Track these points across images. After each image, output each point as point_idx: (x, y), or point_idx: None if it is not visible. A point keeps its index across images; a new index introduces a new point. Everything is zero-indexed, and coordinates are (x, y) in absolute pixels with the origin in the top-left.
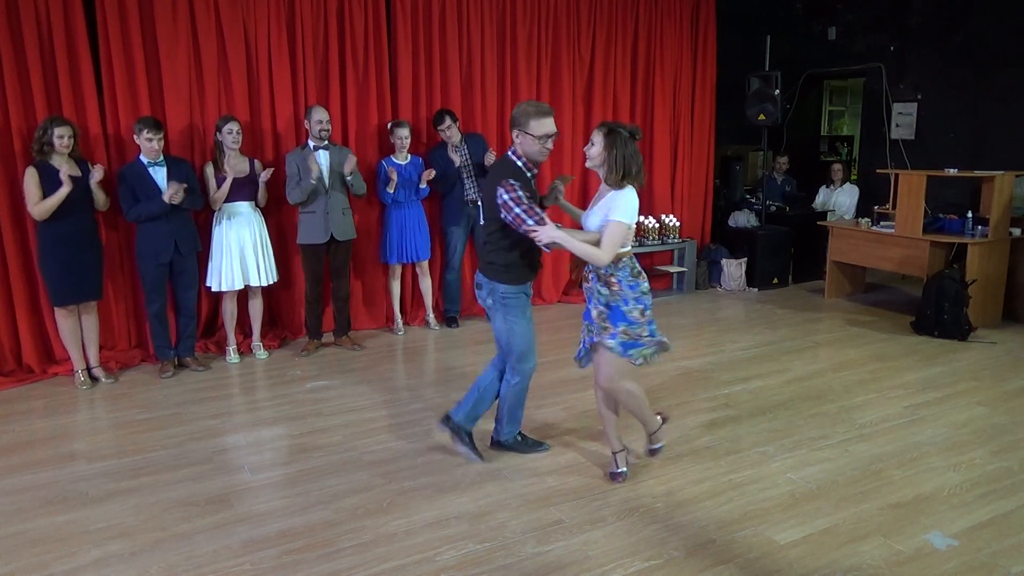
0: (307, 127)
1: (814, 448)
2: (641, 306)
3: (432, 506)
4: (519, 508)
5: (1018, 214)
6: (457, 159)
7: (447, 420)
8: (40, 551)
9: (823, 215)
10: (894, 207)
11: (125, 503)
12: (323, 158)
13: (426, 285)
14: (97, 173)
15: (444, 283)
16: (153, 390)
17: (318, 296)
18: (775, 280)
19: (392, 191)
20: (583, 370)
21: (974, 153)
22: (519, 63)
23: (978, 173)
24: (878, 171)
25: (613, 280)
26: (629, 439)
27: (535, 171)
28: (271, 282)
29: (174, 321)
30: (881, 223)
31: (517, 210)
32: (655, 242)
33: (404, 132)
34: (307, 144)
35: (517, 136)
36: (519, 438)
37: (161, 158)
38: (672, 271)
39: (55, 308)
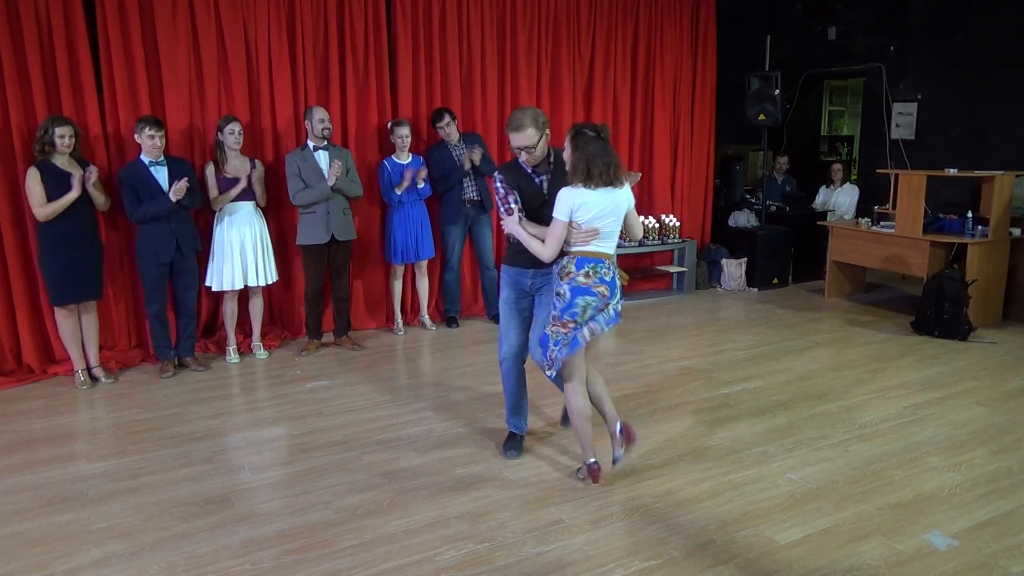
0: (307, 127)
1: (814, 448)
2: (553, 312)
3: (432, 506)
4: (519, 508)
5: (1018, 214)
6: (467, 165)
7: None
8: (40, 551)
9: (823, 215)
10: (894, 207)
11: (125, 503)
12: (322, 158)
13: (423, 285)
14: (92, 175)
15: (443, 283)
16: (153, 390)
17: (318, 296)
18: (775, 280)
19: (400, 192)
20: None
21: (974, 153)
22: (519, 63)
23: (978, 173)
24: (878, 171)
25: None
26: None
27: (540, 171)
28: (271, 282)
29: (174, 321)
30: (881, 223)
31: (496, 199)
32: (655, 242)
33: (405, 131)
34: (307, 144)
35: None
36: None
37: (162, 157)
38: (672, 271)
39: (55, 308)
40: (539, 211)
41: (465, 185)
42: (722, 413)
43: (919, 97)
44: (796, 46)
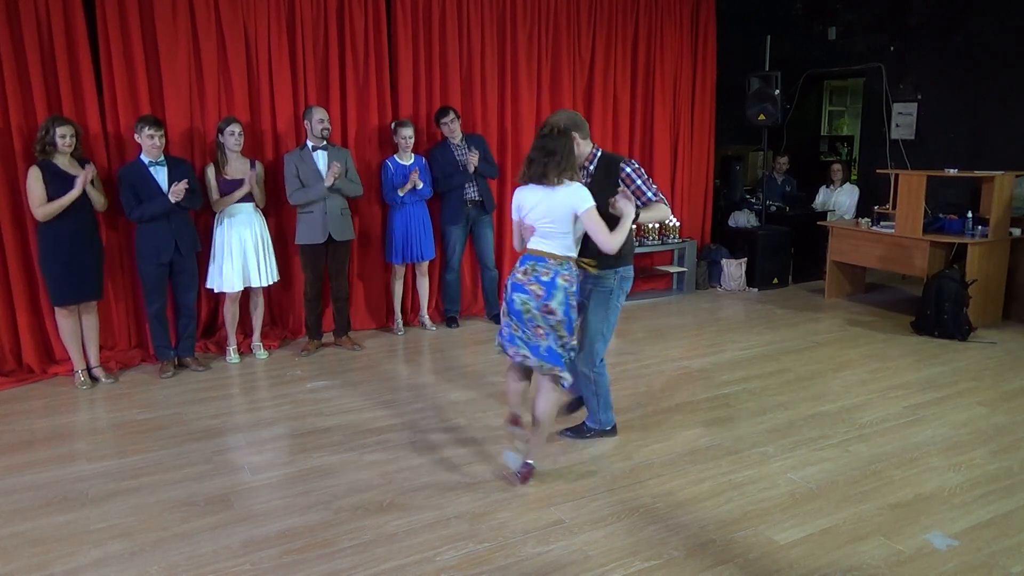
0: (307, 127)
1: (814, 448)
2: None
3: (432, 506)
4: (519, 508)
5: (1018, 214)
6: (471, 167)
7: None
8: (40, 551)
9: (823, 215)
10: (894, 207)
11: (125, 503)
12: (321, 158)
13: (424, 285)
14: (89, 173)
15: (444, 283)
16: (153, 390)
17: (318, 296)
18: (775, 280)
19: (403, 194)
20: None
21: (974, 153)
22: (519, 63)
23: (978, 173)
24: (878, 171)
25: None
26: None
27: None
28: (272, 282)
29: (174, 321)
30: (881, 223)
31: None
32: (655, 242)
33: (408, 132)
34: (306, 144)
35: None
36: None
37: (162, 157)
38: (672, 271)
39: (55, 308)
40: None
41: (466, 186)
42: (722, 413)
43: (919, 97)
44: (796, 46)
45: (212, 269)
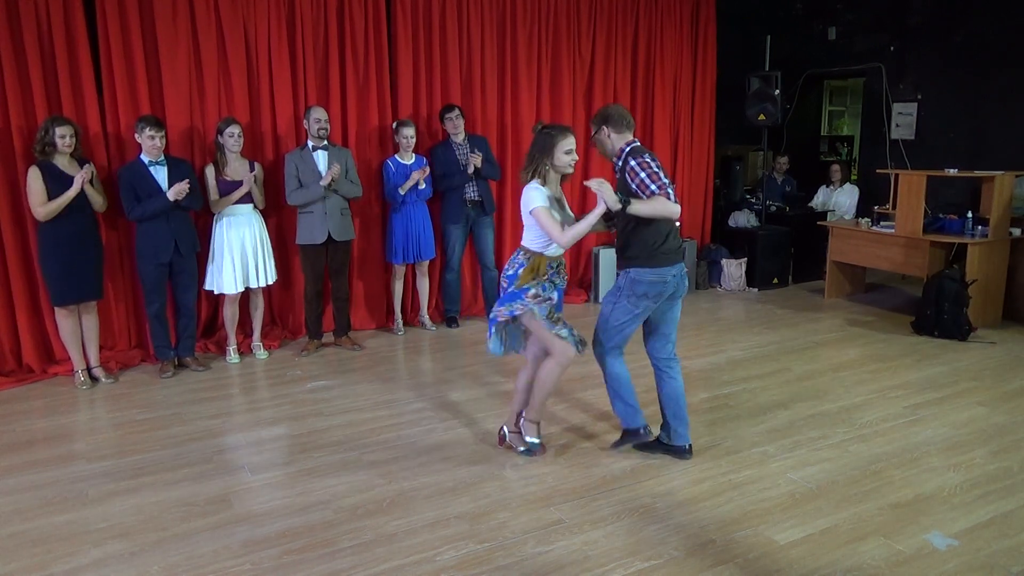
0: (306, 127)
1: (814, 448)
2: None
3: (432, 506)
4: (519, 508)
5: (1018, 214)
6: (471, 167)
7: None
8: (40, 551)
9: (823, 215)
10: (894, 207)
11: (125, 503)
12: (321, 158)
13: (424, 285)
14: (87, 172)
15: (444, 283)
16: (153, 390)
17: (318, 296)
18: (775, 280)
19: (404, 192)
20: (583, 369)
21: (974, 153)
22: (519, 63)
23: (978, 173)
24: (878, 171)
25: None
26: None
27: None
28: (271, 282)
29: (174, 321)
30: (881, 223)
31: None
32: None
33: (410, 132)
34: (306, 144)
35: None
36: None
37: (162, 157)
38: None
39: (55, 308)
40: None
41: (466, 186)
42: (722, 413)
43: (919, 97)
44: (796, 46)
45: (211, 270)
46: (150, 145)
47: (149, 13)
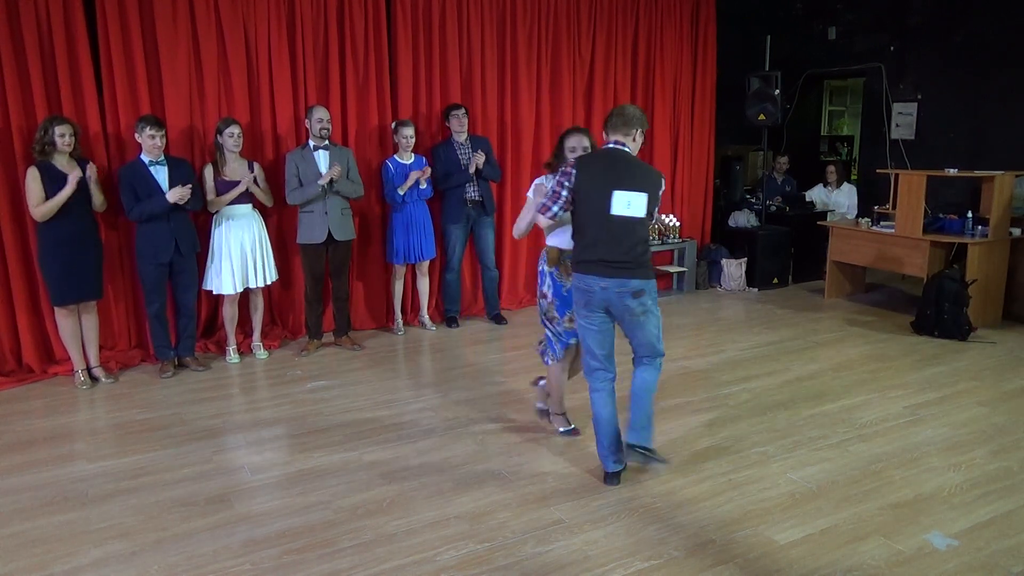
0: (307, 126)
1: (814, 448)
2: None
3: (432, 506)
4: (519, 508)
5: (1018, 214)
6: (472, 167)
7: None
8: (40, 551)
9: (823, 215)
10: (894, 207)
11: (125, 503)
12: (322, 158)
13: (424, 285)
14: (91, 172)
15: (444, 283)
16: (153, 390)
17: (318, 296)
18: (775, 280)
19: (403, 192)
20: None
21: (974, 153)
22: (519, 63)
23: (978, 173)
24: (878, 171)
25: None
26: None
27: None
28: (271, 282)
29: (174, 321)
30: (881, 223)
31: None
32: (655, 242)
33: (409, 131)
34: (307, 144)
35: (639, 134)
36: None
37: (162, 157)
38: (672, 271)
39: (55, 308)
40: None
41: (467, 186)
42: (722, 413)
43: (919, 97)
44: (796, 46)
45: (210, 270)
46: (150, 144)
47: (149, 13)
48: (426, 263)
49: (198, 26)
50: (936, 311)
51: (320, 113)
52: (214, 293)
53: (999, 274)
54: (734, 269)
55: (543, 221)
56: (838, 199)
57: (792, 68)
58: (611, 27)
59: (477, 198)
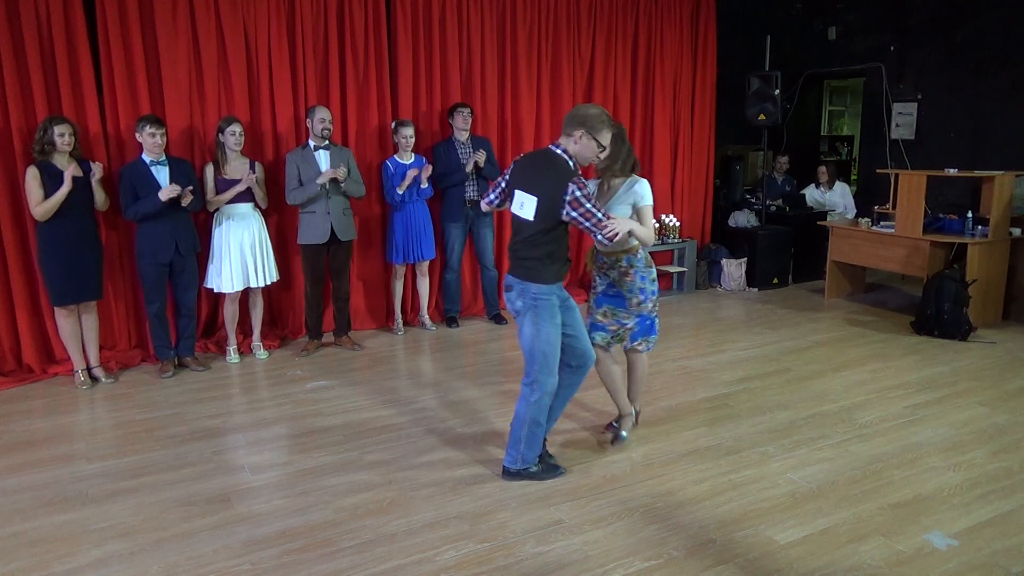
0: (309, 126)
1: (814, 448)
2: (655, 296)
3: (432, 506)
4: (519, 508)
5: (1018, 214)
6: (469, 166)
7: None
8: (40, 551)
9: (823, 215)
10: (894, 207)
11: (125, 503)
12: (323, 158)
13: (424, 285)
14: (96, 171)
15: (443, 283)
16: (153, 390)
17: (318, 296)
18: (775, 280)
19: (402, 191)
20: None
21: (974, 153)
22: (519, 63)
23: (978, 173)
24: (878, 171)
25: (628, 269)
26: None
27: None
28: (272, 281)
29: (174, 321)
30: (881, 223)
31: (588, 205)
32: (655, 242)
33: (409, 131)
34: (307, 144)
35: (582, 137)
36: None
37: (163, 157)
38: (672, 271)
39: (55, 308)
40: None
41: (466, 184)
42: (722, 413)
43: (919, 97)
44: (796, 46)
45: (211, 269)
46: (151, 143)
47: (149, 13)
48: (426, 263)
49: (198, 26)
50: (936, 311)
51: (322, 113)
52: (215, 292)
53: (999, 274)
54: (734, 269)
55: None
56: (832, 199)
57: (792, 68)
58: (611, 27)
59: (476, 198)
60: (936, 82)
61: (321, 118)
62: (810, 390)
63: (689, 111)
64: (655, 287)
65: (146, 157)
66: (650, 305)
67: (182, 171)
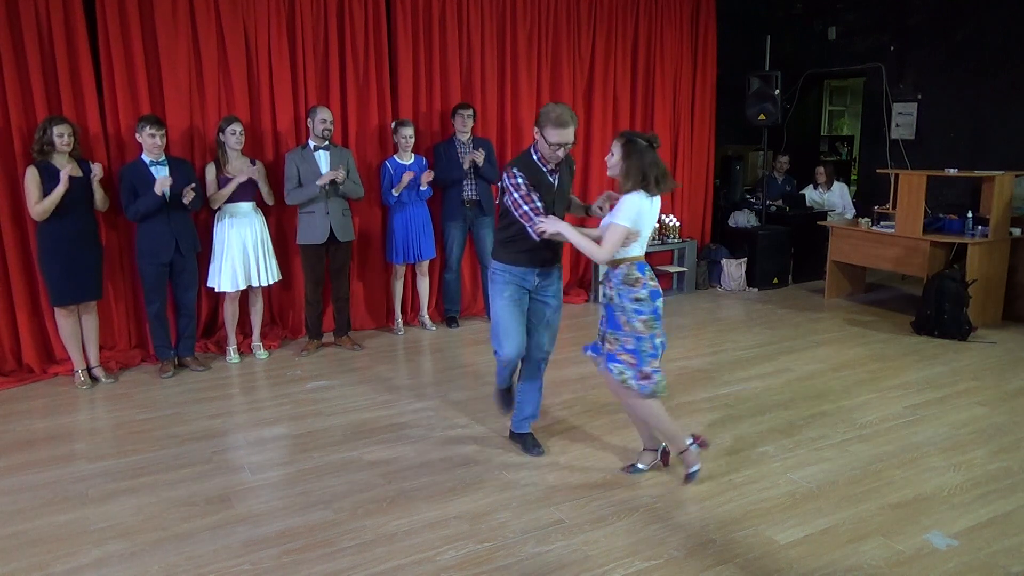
0: (309, 126)
1: (814, 448)
2: (643, 316)
3: (432, 506)
4: (519, 508)
5: (1018, 214)
6: (467, 164)
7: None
8: (40, 551)
9: (823, 215)
10: (894, 207)
11: (125, 503)
12: (323, 158)
13: (424, 285)
14: (97, 171)
15: (443, 283)
16: (153, 390)
17: (318, 296)
18: (775, 280)
19: (398, 193)
20: (584, 368)
21: (974, 153)
22: (519, 63)
23: (978, 173)
24: (878, 171)
25: (610, 284)
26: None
27: (552, 167)
28: (274, 282)
29: (174, 321)
30: (881, 223)
31: (515, 195)
32: (655, 242)
33: (408, 132)
34: (307, 144)
35: (536, 134)
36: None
37: (163, 157)
38: (672, 271)
39: (55, 308)
40: (550, 207)
41: (465, 185)
42: (722, 413)
43: (919, 97)
44: (796, 46)
45: (212, 268)
46: (151, 143)
47: (149, 13)
48: (426, 263)
49: (198, 26)
50: (936, 311)
51: (323, 114)
52: (215, 291)
53: (999, 274)
54: (734, 269)
55: None
56: (831, 199)
57: (792, 68)
58: (611, 27)
59: (474, 198)
60: (936, 82)
61: (322, 119)
62: (810, 390)
63: (689, 111)
64: (641, 307)
65: (146, 157)
66: (635, 326)
67: (182, 171)
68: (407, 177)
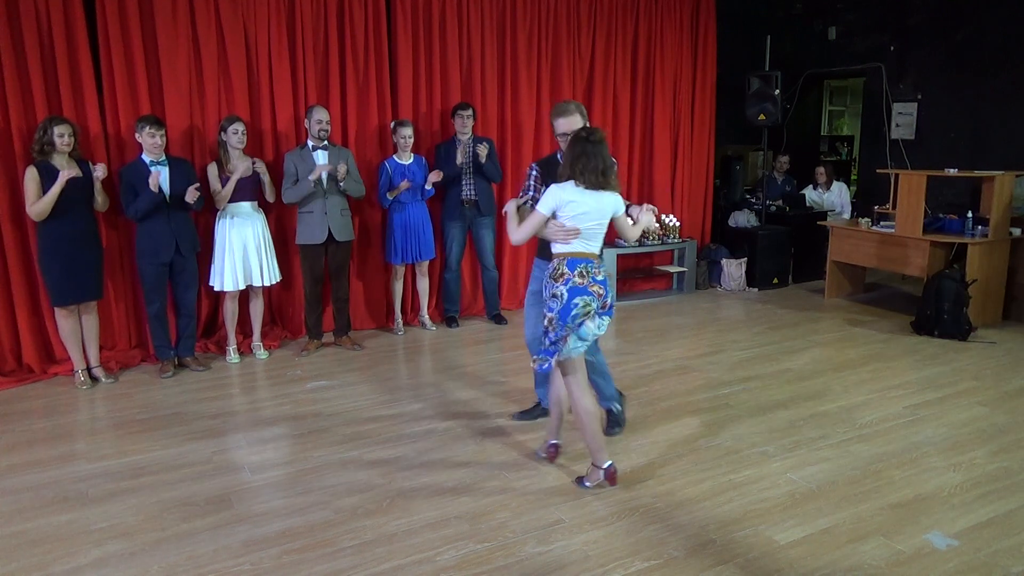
0: (307, 126)
1: (814, 448)
2: (550, 313)
3: (432, 506)
4: (519, 508)
5: (1018, 214)
6: (460, 158)
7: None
8: (40, 551)
9: (823, 215)
10: (894, 207)
11: (125, 503)
12: (322, 158)
13: (424, 285)
14: (100, 171)
15: (443, 283)
16: (153, 390)
17: (318, 296)
18: (775, 280)
19: (391, 197)
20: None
21: (974, 153)
22: (519, 63)
23: (978, 173)
24: (878, 171)
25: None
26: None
27: None
28: (274, 282)
29: (174, 321)
30: (881, 223)
31: (525, 187)
32: (655, 242)
33: (407, 131)
34: (306, 144)
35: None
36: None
37: (163, 157)
38: (672, 271)
39: (55, 308)
40: None
41: (464, 185)
42: (722, 413)
43: (919, 97)
44: (796, 46)
45: (213, 268)
46: (151, 143)
47: (149, 13)
48: (425, 263)
49: (198, 26)
50: (936, 311)
51: (320, 114)
52: (216, 289)
53: (999, 274)
54: (734, 269)
55: None
56: (831, 199)
57: (792, 68)
58: (611, 27)
59: (473, 197)
60: (936, 82)
61: (319, 119)
62: (810, 390)
63: (689, 111)
64: (552, 304)
65: (146, 157)
66: (551, 315)
67: (182, 171)
68: (404, 185)
